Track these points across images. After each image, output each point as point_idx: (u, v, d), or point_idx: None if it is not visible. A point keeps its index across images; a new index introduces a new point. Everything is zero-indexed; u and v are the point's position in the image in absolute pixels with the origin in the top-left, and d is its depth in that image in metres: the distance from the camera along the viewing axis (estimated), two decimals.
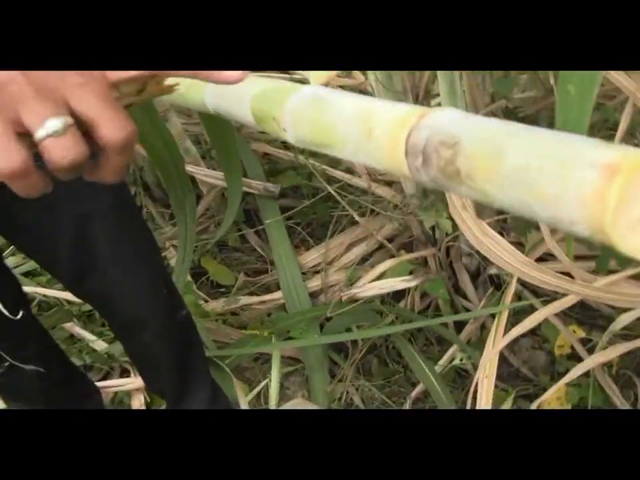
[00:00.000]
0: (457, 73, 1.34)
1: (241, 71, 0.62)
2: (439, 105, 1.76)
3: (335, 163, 2.05)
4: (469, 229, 1.29)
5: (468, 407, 1.44)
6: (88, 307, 1.91)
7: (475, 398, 1.41)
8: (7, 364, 1.37)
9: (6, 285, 1.30)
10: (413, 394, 1.64)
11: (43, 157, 0.55)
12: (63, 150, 0.55)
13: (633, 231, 0.40)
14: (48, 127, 0.54)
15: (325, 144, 0.62)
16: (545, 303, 1.50)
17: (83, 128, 0.56)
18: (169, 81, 0.64)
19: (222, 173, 2.03)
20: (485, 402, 1.36)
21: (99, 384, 1.70)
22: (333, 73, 0.77)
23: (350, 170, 1.99)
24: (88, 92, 0.56)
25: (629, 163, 0.39)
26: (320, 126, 0.61)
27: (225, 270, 2.02)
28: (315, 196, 2.05)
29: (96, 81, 0.57)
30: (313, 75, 0.73)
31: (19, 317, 1.22)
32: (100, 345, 1.87)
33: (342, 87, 1.93)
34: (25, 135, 0.54)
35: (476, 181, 0.46)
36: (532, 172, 0.43)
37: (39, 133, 0.54)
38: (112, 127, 0.56)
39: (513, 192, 0.44)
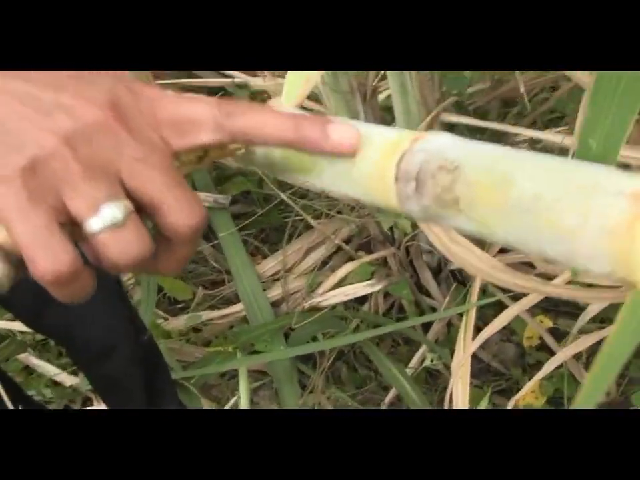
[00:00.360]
0: (407, 73, 1.31)
1: (352, 131, 0.49)
2: (389, 97, 1.74)
3: None
4: (437, 237, 1.26)
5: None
6: (40, 336, 1.84)
7: (450, 401, 1.39)
8: None
9: None
10: (387, 399, 1.62)
11: (96, 252, 0.44)
12: (124, 244, 0.43)
13: None
14: (104, 215, 0.42)
15: (300, 170, 0.56)
16: (512, 298, 1.47)
17: (143, 213, 0.45)
18: (233, 145, 0.52)
19: None
20: (461, 405, 1.34)
21: None
22: (307, 91, 0.70)
23: None
24: (150, 168, 0.44)
25: None
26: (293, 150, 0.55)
27: (181, 284, 1.96)
28: (266, 201, 2.00)
29: (158, 153, 0.44)
30: (286, 94, 0.67)
31: None
32: (59, 376, 1.81)
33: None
34: (69, 225, 0.43)
35: (477, 210, 0.43)
36: (545, 200, 0.39)
37: (93, 224, 0.42)
38: (181, 212, 0.44)
39: (519, 223, 0.40)
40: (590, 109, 0.69)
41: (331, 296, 1.71)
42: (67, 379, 1.79)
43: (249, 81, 2.00)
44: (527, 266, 1.58)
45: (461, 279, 1.70)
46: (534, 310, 1.65)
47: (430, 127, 1.46)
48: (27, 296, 1.25)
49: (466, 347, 1.38)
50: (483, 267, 1.24)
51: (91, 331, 1.32)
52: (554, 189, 0.39)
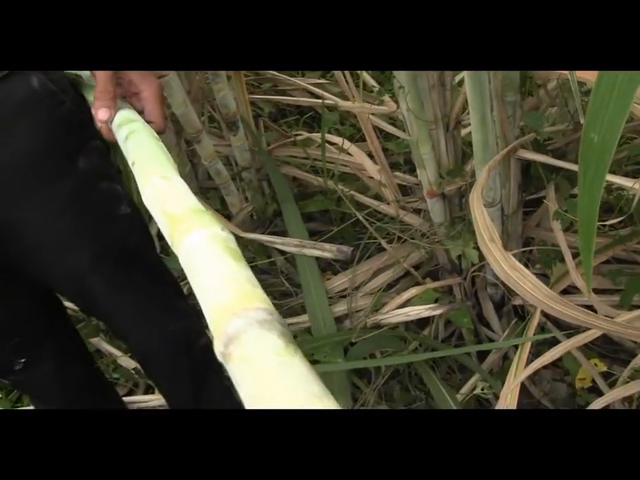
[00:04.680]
0: (488, 105, 1.35)
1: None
2: (469, 134, 1.79)
3: (364, 189, 2.08)
4: (496, 260, 1.30)
5: None
6: None
7: None
8: (22, 361, 1.39)
9: None
10: None
11: None
12: None
13: None
14: None
15: None
16: (568, 336, 1.50)
17: None
18: None
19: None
20: None
21: (123, 399, 1.72)
22: None
23: (378, 197, 2.01)
24: None
25: None
26: None
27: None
28: (342, 221, 2.07)
29: None
30: None
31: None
32: (125, 361, 1.89)
33: (374, 115, 1.96)
34: None
35: None
36: None
37: None
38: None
39: None
40: (591, 107, 0.79)
41: (393, 315, 1.75)
42: (132, 363, 1.88)
43: (337, 102, 2.07)
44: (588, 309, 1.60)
45: (523, 315, 1.73)
46: (590, 354, 1.68)
47: (506, 161, 1.51)
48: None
49: (516, 376, 1.41)
50: (538, 295, 1.27)
51: (133, 339, 1.38)
52: None
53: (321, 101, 2.10)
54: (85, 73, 1.08)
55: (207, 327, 1.43)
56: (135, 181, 0.77)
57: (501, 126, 1.48)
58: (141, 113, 1.02)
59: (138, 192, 0.76)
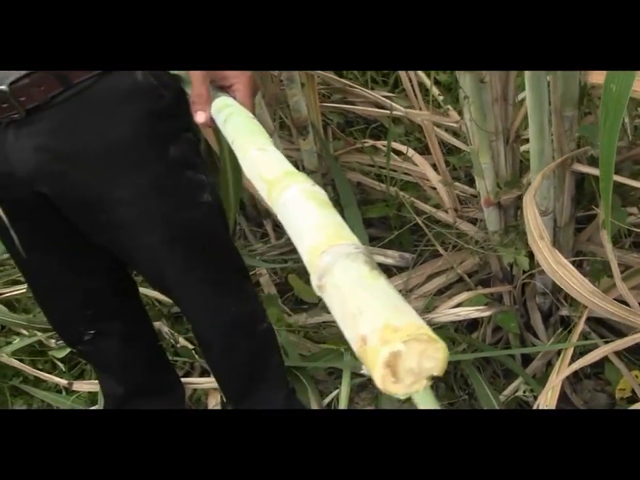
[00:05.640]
0: (546, 117, 1.42)
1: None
2: (528, 151, 1.85)
3: (424, 198, 2.15)
4: (544, 257, 1.36)
5: None
6: (177, 309, 2.01)
7: None
8: (92, 332, 1.49)
9: None
10: None
11: None
12: None
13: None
14: None
15: None
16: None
17: None
18: None
19: None
20: None
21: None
22: None
23: (437, 206, 2.07)
24: None
25: None
26: None
27: (309, 288, 2.11)
28: (402, 227, 2.13)
29: None
30: None
31: None
32: (184, 344, 1.99)
33: (437, 126, 2.03)
34: None
35: None
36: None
37: None
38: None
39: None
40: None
41: (443, 314, 1.81)
42: (190, 346, 1.98)
43: (405, 112, 2.14)
44: None
45: (569, 324, 1.78)
46: (632, 366, 1.72)
47: (561, 173, 1.57)
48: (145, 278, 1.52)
49: (558, 375, 1.47)
50: (582, 291, 1.33)
51: (196, 317, 1.50)
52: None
53: (388, 112, 2.18)
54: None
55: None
56: None
57: (558, 140, 1.54)
58: None
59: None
